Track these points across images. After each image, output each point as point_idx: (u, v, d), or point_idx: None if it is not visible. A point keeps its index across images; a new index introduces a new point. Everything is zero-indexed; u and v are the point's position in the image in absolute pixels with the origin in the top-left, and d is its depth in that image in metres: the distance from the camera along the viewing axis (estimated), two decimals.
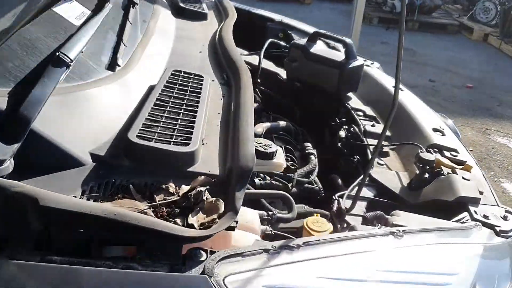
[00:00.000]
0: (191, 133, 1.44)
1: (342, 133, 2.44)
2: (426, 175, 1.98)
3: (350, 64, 2.65)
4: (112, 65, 1.67)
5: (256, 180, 1.87)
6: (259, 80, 2.82)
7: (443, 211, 1.84)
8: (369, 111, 2.62)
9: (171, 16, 2.55)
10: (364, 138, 2.34)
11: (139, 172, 1.32)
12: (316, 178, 2.20)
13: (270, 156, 1.58)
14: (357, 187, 1.87)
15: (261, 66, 2.94)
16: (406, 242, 1.38)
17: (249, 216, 1.61)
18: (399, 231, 1.39)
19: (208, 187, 1.28)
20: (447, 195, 1.84)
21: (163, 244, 1.15)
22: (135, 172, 1.32)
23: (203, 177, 1.29)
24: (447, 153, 2.14)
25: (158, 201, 1.22)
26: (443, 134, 2.30)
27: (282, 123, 2.42)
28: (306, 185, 2.07)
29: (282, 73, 2.95)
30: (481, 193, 1.88)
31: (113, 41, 1.80)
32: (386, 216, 1.66)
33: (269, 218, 1.64)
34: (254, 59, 2.95)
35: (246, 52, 3.03)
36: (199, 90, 1.72)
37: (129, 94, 1.62)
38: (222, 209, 1.22)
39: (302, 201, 1.99)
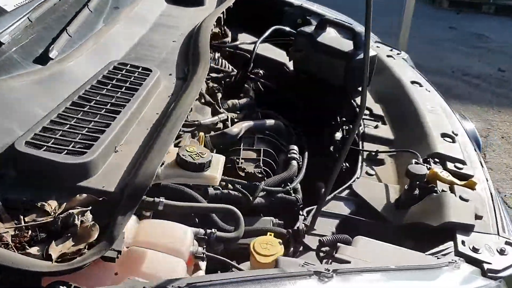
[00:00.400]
0: (96, 139, 1.25)
1: (338, 135, 2.15)
2: (416, 191, 1.66)
3: (359, 55, 2.33)
4: (41, 58, 1.51)
5: (210, 190, 1.65)
6: (261, 72, 2.57)
7: (427, 238, 1.53)
8: (377, 109, 2.30)
9: (160, 1, 2.36)
10: (361, 142, 2.04)
11: (24, 185, 1.15)
12: (298, 187, 1.94)
13: (199, 167, 1.35)
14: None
15: (268, 56, 2.69)
16: None
17: (177, 234, 1.40)
18: (328, 271, 1.11)
19: (90, 207, 1.08)
20: (433, 219, 1.52)
21: (20, 277, 0.98)
22: (19, 185, 1.15)
23: (84, 195, 1.10)
24: (450, 165, 1.79)
25: (26, 222, 1.04)
26: (453, 141, 1.94)
27: (270, 122, 2.16)
28: (280, 195, 1.81)
29: (291, 64, 2.68)
30: (479, 217, 1.54)
31: (58, 30, 1.64)
32: (339, 245, 1.38)
33: (206, 237, 1.42)
34: (264, 48, 2.71)
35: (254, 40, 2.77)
36: (137, 87, 1.52)
37: (54, 91, 1.45)
38: (94, 236, 1.02)
39: (276, 214, 1.75)
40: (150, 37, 2.01)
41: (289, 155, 1.99)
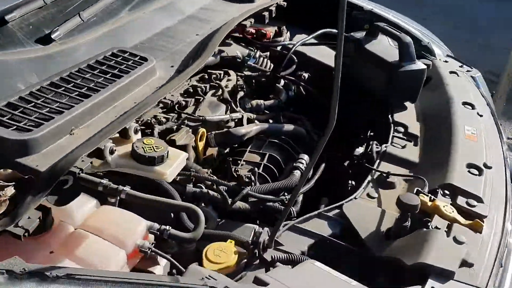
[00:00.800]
0: (50, 119, 1.28)
1: (360, 150, 1.98)
2: (407, 223, 1.48)
3: (404, 67, 2.13)
4: (43, 39, 1.59)
5: (188, 187, 1.62)
6: (304, 75, 2.47)
7: (399, 277, 1.35)
8: (414, 128, 2.09)
9: None
10: (378, 161, 1.86)
11: None
12: (299, 198, 1.83)
13: (149, 161, 1.32)
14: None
15: (317, 59, 2.58)
16: None
17: (128, 225, 1.39)
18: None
19: (13, 183, 1.11)
20: (410, 256, 1.34)
21: None
22: None
23: (9, 170, 1.13)
24: (461, 200, 1.57)
25: None
26: (480, 174, 1.69)
27: (288, 127, 2.06)
28: (272, 204, 1.72)
29: None
30: (468, 264, 1.32)
31: (73, 15, 1.71)
32: (278, 264, 1.26)
33: (157, 233, 1.39)
34: (318, 51, 2.60)
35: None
36: (124, 74, 1.53)
37: (44, 71, 1.51)
38: (1, 210, 1.05)
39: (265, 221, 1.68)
40: (174, 28, 2.02)
41: (294, 164, 1.87)
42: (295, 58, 2.51)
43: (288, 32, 2.86)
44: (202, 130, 1.83)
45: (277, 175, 1.87)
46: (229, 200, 1.62)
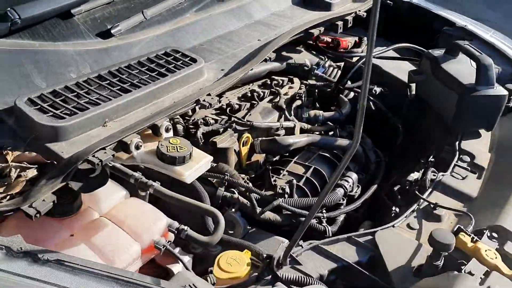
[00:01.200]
0: (85, 109, 1.34)
1: (414, 175, 1.84)
2: (440, 262, 1.35)
3: (478, 92, 1.95)
4: (104, 33, 1.67)
5: (219, 190, 1.62)
6: (376, 90, 2.36)
7: None
8: (483, 159, 1.91)
9: (283, 1, 2.34)
10: (429, 189, 1.73)
11: (15, 134, 1.32)
12: (339, 218, 1.75)
13: (170, 160, 1.33)
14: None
15: (393, 74, 2.45)
16: None
17: (148, 220, 1.42)
18: None
19: (36, 166, 1.19)
20: None
21: None
22: (12, 133, 1.32)
23: (33, 153, 1.20)
24: (511, 246, 1.39)
25: None
26: None
27: (342, 141, 1.97)
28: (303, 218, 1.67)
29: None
30: None
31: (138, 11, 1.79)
32: (278, 283, 1.21)
33: (175, 231, 1.41)
34: (394, 65, 2.48)
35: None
36: (168, 73, 1.57)
37: (97, 63, 1.60)
38: (16, 190, 1.12)
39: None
40: (237, 32, 2.02)
41: (340, 181, 1.79)
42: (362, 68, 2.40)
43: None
44: (246, 135, 1.82)
45: (319, 190, 1.80)
46: (258, 209, 1.59)
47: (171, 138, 1.37)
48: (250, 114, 1.93)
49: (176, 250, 1.50)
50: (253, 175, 1.89)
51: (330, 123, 2.17)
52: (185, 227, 1.41)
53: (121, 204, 1.45)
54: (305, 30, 2.12)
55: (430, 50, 2.24)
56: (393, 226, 1.56)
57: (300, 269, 1.40)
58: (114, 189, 1.47)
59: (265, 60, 1.87)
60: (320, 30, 2.20)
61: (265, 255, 1.40)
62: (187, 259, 1.52)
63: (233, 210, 1.61)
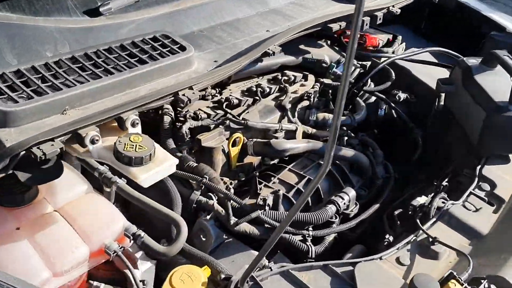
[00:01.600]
0: (43, 94, 1.23)
1: (421, 200, 1.63)
2: None
3: (510, 112, 1.70)
4: (92, 11, 1.55)
5: (194, 194, 1.48)
6: (400, 96, 2.13)
7: None
8: (506, 189, 1.67)
9: None
10: (433, 219, 1.52)
11: None
12: (327, 238, 1.58)
13: (125, 160, 1.19)
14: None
15: (423, 80, 2.21)
16: None
17: (103, 220, 1.30)
18: None
19: None
20: None
21: None
22: None
23: None
24: None
25: None
26: None
27: (347, 152, 1.78)
28: (290, 236, 1.51)
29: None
30: None
31: None
32: None
33: (131, 237, 1.28)
34: (426, 70, 2.23)
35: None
36: (149, 61, 1.43)
37: (78, 43, 1.48)
38: None
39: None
40: (246, 21, 1.85)
41: (333, 197, 1.61)
42: (392, 73, 2.17)
43: (404, 44, 2.51)
44: (237, 135, 1.66)
45: (310, 205, 1.63)
46: (233, 220, 1.44)
47: (133, 135, 1.24)
48: (247, 112, 1.77)
49: (139, 254, 1.38)
50: (243, 179, 1.74)
51: (344, 128, 1.97)
52: (142, 233, 1.29)
53: (78, 200, 1.34)
54: (322, 24, 1.92)
55: (465, 58, 1.99)
56: (380, 258, 1.37)
57: None
58: (75, 182, 1.36)
59: (267, 54, 1.69)
60: (340, 25, 1.99)
61: (223, 276, 1.26)
62: (148, 265, 1.41)
63: (207, 217, 1.47)
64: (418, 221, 1.50)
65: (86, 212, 1.31)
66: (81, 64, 1.37)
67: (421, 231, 1.45)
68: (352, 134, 1.96)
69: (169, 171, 1.27)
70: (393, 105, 2.11)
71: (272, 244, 1.12)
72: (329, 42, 2.26)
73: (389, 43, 2.46)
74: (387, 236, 1.52)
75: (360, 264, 1.33)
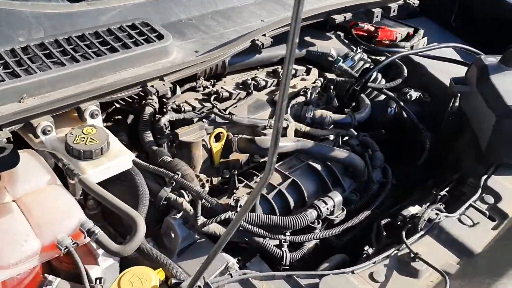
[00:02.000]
0: (1, 80, 1.19)
1: (413, 210, 1.50)
2: None
3: None
4: None
5: (163, 191, 1.41)
6: (411, 94, 1.98)
7: None
8: (509, 202, 1.50)
9: None
10: (420, 232, 1.39)
11: None
12: (307, 245, 1.49)
13: (75, 153, 1.14)
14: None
15: (439, 78, 2.04)
16: None
17: (59, 214, 1.26)
18: None
19: None
20: None
21: None
22: None
23: None
24: None
25: None
26: None
27: (338, 153, 1.65)
28: (263, 240, 1.43)
29: None
30: None
31: None
32: None
33: (85, 233, 1.23)
34: (444, 68, 2.06)
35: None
36: (121, 49, 1.37)
37: (53, 29, 1.44)
38: None
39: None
40: (240, 10, 1.75)
41: (315, 201, 1.50)
42: (405, 69, 2.02)
43: (425, 39, 2.34)
44: (219, 130, 1.58)
45: (292, 208, 1.53)
46: (201, 220, 1.36)
47: (86, 127, 1.18)
48: (235, 106, 1.68)
49: (101, 251, 1.33)
50: (227, 176, 1.66)
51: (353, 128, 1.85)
52: (97, 230, 1.23)
53: (39, 191, 1.30)
54: (324, 14, 1.79)
55: (483, 56, 1.81)
56: (352, 272, 1.26)
57: None
58: (37, 172, 1.32)
59: (256, 46, 1.59)
60: (345, 17, 1.85)
61: (174, 281, 1.18)
62: (110, 262, 1.36)
63: (177, 216, 1.40)
64: (403, 233, 1.37)
65: (43, 205, 1.27)
66: (48, 51, 1.33)
67: (404, 245, 1.32)
68: (355, 133, 1.83)
69: (124, 167, 1.20)
70: (402, 104, 1.96)
71: (221, 247, 1.02)
72: (342, 34, 2.14)
73: (408, 37, 2.30)
74: (366, 247, 1.40)
75: (328, 277, 1.22)
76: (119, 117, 1.71)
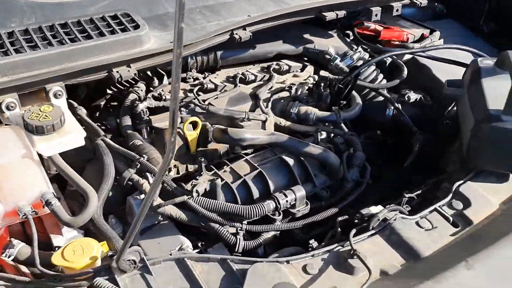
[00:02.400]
0: None
1: (373, 210, 1.47)
2: None
3: (502, 123, 1.46)
4: None
5: (127, 172, 1.50)
6: (409, 96, 1.94)
7: None
8: (480, 211, 1.45)
9: None
10: (372, 232, 1.37)
11: None
12: (268, 235, 1.52)
13: (29, 128, 1.23)
14: None
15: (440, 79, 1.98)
16: None
17: (23, 184, 1.37)
18: None
19: None
20: None
21: None
22: None
23: None
24: None
25: None
26: None
27: (312, 149, 1.65)
28: (218, 226, 1.48)
29: None
30: None
31: None
32: None
33: (43, 203, 1.34)
34: (450, 70, 1.99)
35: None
36: (94, 37, 1.47)
37: (41, 17, 1.57)
38: None
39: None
40: (230, 4, 1.79)
41: (276, 194, 1.52)
42: (405, 69, 1.98)
43: (441, 40, 2.26)
44: (192, 118, 1.64)
45: (253, 198, 1.55)
46: (157, 201, 1.43)
47: (45, 105, 1.29)
48: (216, 97, 1.74)
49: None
50: (204, 165, 1.72)
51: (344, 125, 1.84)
52: (54, 201, 1.34)
53: (11, 164, 1.42)
54: (315, 11, 1.80)
55: (480, 58, 1.73)
56: (287, 262, 1.27)
57: (149, 281, 1.23)
58: (12, 146, 1.45)
59: (234, 40, 1.64)
60: (337, 14, 1.84)
61: (110, 253, 1.26)
62: (73, 234, 1.47)
63: (139, 197, 1.48)
64: (353, 230, 1.35)
65: (12, 176, 1.39)
66: (29, 36, 1.46)
67: (346, 242, 1.31)
68: (341, 131, 1.82)
69: (76, 143, 1.30)
70: (396, 105, 1.91)
71: (138, 224, 1.09)
72: (351, 33, 2.13)
73: (422, 39, 2.23)
74: (311, 241, 1.40)
75: (258, 264, 1.24)
76: (115, 103, 1.83)
